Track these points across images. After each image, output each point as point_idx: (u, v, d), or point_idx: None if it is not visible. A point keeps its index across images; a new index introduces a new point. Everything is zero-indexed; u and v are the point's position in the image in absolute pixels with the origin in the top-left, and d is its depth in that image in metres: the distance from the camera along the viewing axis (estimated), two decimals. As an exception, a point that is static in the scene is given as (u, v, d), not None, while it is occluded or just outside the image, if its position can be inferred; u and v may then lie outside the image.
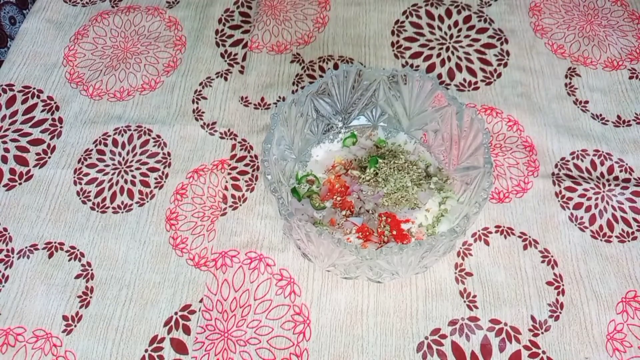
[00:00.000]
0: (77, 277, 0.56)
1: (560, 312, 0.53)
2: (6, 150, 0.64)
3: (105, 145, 0.65)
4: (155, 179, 0.62)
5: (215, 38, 0.74)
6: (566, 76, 0.69)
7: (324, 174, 0.59)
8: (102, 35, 0.74)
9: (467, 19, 0.75)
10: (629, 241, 0.57)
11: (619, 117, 0.66)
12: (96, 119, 0.67)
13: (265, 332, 0.52)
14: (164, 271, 0.56)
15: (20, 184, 0.62)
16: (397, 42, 0.73)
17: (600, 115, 0.66)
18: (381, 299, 0.54)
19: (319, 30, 0.74)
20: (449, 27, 0.74)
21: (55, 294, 0.55)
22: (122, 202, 0.60)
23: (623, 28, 0.74)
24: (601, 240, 0.57)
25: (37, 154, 0.64)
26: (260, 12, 0.76)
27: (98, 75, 0.70)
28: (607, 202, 0.59)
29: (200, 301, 0.54)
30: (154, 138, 0.65)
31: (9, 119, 0.67)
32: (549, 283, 0.55)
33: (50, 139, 0.65)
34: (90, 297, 0.55)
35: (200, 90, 0.69)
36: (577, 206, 0.59)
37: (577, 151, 0.63)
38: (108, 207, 0.60)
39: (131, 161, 0.63)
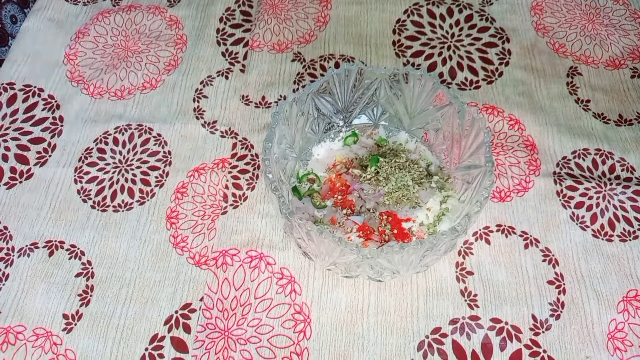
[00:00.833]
0: (78, 275, 0.56)
1: (561, 311, 0.53)
2: (7, 148, 0.64)
3: (106, 143, 0.65)
4: (156, 177, 0.62)
5: (216, 37, 0.74)
6: (568, 75, 0.69)
7: (324, 172, 0.59)
8: (103, 34, 0.74)
9: (469, 18, 0.75)
10: (630, 240, 0.57)
11: (620, 116, 0.66)
12: (97, 117, 0.67)
13: (265, 331, 0.52)
14: (165, 270, 0.56)
15: (20, 182, 0.62)
16: (399, 40, 0.73)
17: (602, 114, 0.66)
18: (382, 297, 0.54)
19: (320, 29, 0.74)
20: (451, 26, 0.74)
21: (55, 293, 0.55)
22: (123, 201, 0.60)
23: (625, 27, 0.73)
24: (602, 239, 0.57)
25: (38, 152, 0.64)
26: (261, 10, 0.76)
27: (99, 73, 0.70)
28: (609, 201, 0.59)
29: (201, 300, 0.54)
30: (154, 137, 0.65)
31: (9, 117, 0.67)
32: (550, 282, 0.55)
33: (51, 137, 0.65)
34: (91, 296, 0.55)
35: (201, 89, 0.69)
36: (579, 205, 0.59)
37: (579, 150, 0.63)
38: (108, 206, 0.60)
39: (132, 160, 0.63)
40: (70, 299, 0.55)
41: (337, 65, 0.70)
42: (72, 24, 0.76)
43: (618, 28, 0.73)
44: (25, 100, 0.68)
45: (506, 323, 0.52)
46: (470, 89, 0.68)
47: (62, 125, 0.66)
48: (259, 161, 0.63)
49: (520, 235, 0.57)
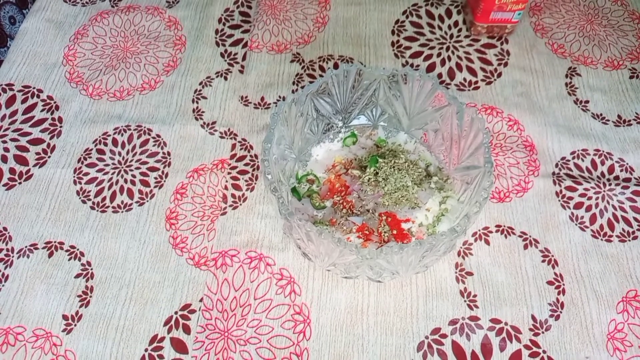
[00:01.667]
0: (77, 276, 0.56)
1: (560, 312, 0.53)
2: (6, 149, 0.64)
3: (105, 144, 0.64)
4: (155, 178, 0.62)
5: (215, 38, 0.74)
6: (566, 76, 0.69)
7: (324, 173, 0.59)
8: (102, 34, 0.74)
9: (467, 19, 0.75)
10: (629, 240, 0.57)
11: (619, 116, 0.66)
12: (96, 118, 0.67)
13: (265, 332, 0.52)
14: (164, 270, 0.56)
15: (20, 183, 0.62)
16: (397, 41, 0.73)
17: (601, 114, 0.66)
18: (381, 298, 0.54)
19: (319, 29, 0.74)
20: (449, 27, 0.74)
21: (55, 294, 0.55)
22: (122, 202, 0.60)
23: (623, 28, 0.74)
24: (602, 239, 0.57)
25: (37, 153, 0.64)
26: (260, 11, 0.76)
27: (98, 74, 0.70)
28: (608, 202, 0.59)
29: (200, 300, 0.54)
30: (153, 137, 0.65)
31: (8, 118, 0.66)
32: (549, 282, 0.55)
33: (50, 138, 0.65)
34: (90, 297, 0.55)
35: (200, 90, 0.69)
36: (578, 206, 0.59)
37: (578, 151, 0.63)
38: (108, 207, 0.60)
39: (131, 161, 0.63)
40: (70, 300, 0.55)
41: (336, 66, 0.70)
42: (71, 24, 0.76)
43: (616, 29, 0.73)
44: (24, 101, 0.68)
45: (506, 323, 0.53)
46: (469, 90, 0.68)
47: (61, 126, 0.66)
48: (258, 162, 0.63)
49: (520, 236, 0.57)
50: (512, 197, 0.60)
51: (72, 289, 0.55)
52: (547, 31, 0.73)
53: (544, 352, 0.51)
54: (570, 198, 0.59)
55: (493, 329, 0.52)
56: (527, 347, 0.51)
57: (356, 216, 0.55)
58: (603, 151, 0.63)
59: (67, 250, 0.57)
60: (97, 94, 0.69)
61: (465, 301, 0.54)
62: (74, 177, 0.62)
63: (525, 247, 0.57)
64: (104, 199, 0.61)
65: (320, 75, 0.69)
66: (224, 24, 0.75)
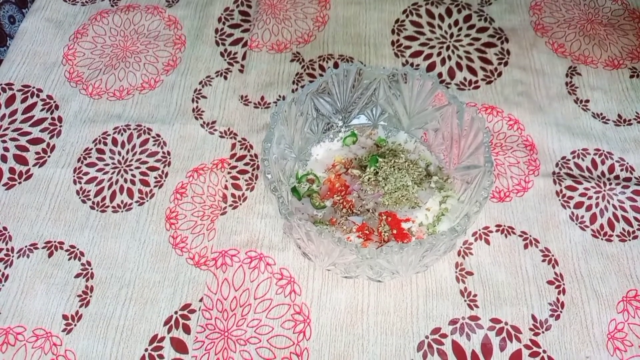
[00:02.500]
0: (77, 276, 0.56)
1: (560, 311, 0.53)
2: (6, 149, 0.64)
3: (105, 144, 0.64)
4: (155, 178, 0.62)
5: (215, 37, 0.74)
6: (567, 75, 0.69)
7: (324, 173, 0.59)
8: (101, 34, 0.74)
9: (468, 18, 0.75)
10: (629, 240, 0.57)
11: (619, 116, 0.66)
12: (96, 118, 0.67)
13: (265, 332, 0.52)
14: (164, 270, 0.56)
15: (19, 183, 0.62)
16: (397, 41, 0.73)
17: (601, 114, 0.66)
18: (381, 298, 0.54)
19: (319, 29, 0.74)
20: (450, 26, 0.74)
21: (55, 293, 0.55)
22: (122, 201, 0.60)
23: (623, 27, 0.73)
24: (602, 239, 0.57)
25: (37, 153, 0.64)
26: (260, 11, 0.76)
27: (97, 74, 0.70)
28: (608, 201, 0.59)
29: (200, 300, 0.54)
30: (153, 137, 0.65)
31: (8, 118, 0.66)
32: (549, 282, 0.55)
33: (50, 138, 0.65)
34: (90, 296, 0.55)
35: (200, 89, 0.69)
36: (578, 205, 0.59)
37: (578, 150, 0.63)
38: (108, 206, 0.60)
39: (131, 160, 0.63)
40: (70, 300, 0.55)
41: (336, 66, 0.70)
42: (71, 24, 0.76)
43: (617, 28, 0.73)
44: (24, 100, 0.68)
45: (506, 323, 0.53)
46: (469, 89, 0.68)
47: (61, 126, 0.66)
48: (258, 161, 0.63)
49: (520, 236, 0.57)
50: (512, 197, 0.60)
51: (72, 289, 0.55)
52: (548, 30, 0.73)
53: (544, 351, 0.51)
54: (571, 197, 0.59)
55: (493, 328, 0.52)
56: (527, 346, 0.51)
57: (356, 216, 0.55)
58: (603, 151, 0.63)
59: (67, 250, 0.57)
60: (97, 93, 0.69)
61: (465, 301, 0.54)
62: (74, 176, 0.62)
63: (526, 246, 0.57)
64: (103, 198, 0.61)
65: (320, 75, 0.69)
66: (223, 23, 0.75)
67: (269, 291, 0.54)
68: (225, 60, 0.72)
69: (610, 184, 0.60)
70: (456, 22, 0.74)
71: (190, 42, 0.73)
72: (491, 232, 0.58)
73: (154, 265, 0.56)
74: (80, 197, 0.61)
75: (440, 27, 0.74)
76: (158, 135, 0.65)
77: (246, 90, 0.69)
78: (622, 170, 0.62)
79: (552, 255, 0.56)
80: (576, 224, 0.58)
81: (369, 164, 0.57)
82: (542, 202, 0.59)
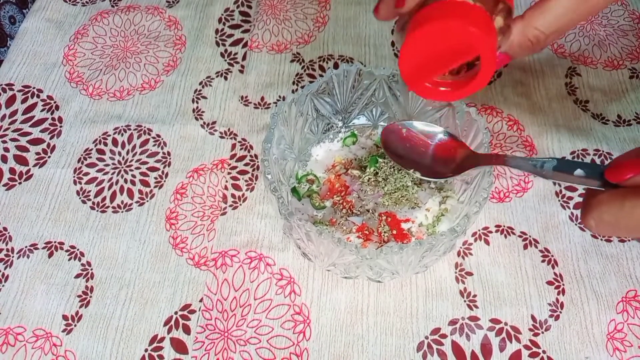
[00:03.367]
0: (77, 276, 0.56)
1: (560, 312, 0.53)
2: (6, 149, 0.64)
3: (105, 144, 0.65)
4: (155, 178, 0.62)
5: (215, 37, 0.74)
6: (566, 76, 0.69)
7: (324, 173, 0.59)
8: (102, 34, 0.74)
9: (467, 19, 0.75)
10: (629, 241, 0.57)
11: (619, 116, 0.66)
12: (96, 118, 0.67)
13: (265, 332, 0.52)
14: (164, 271, 0.56)
15: (20, 183, 0.62)
16: (397, 41, 0.73)
17: (601, 114, 0.66)
18: (381, 298, 0.54)
19: (319, 29, 0.74)
20: (449, 27, 0.74)
21: (55, 294, 0.55)
22: (122, 202, 0.60)
23: (623, 28, 0.73)
24: (601, 239, 0.57)
25: (37, 153, 0.64)
26: (260, 11, 0.76)
27: (98, 74, 0.70)
28: (608, 202, 0.59)
29: (200, 301, 0.54)
30: (153, 137, 0.65)
31: (8, 118, 0.67)
32: (549, 282, 0.55)
33: (50, 138, 0.65)
34: (90, 297, 0.55)
35: (200, 90, 0.69)
36: (578, 206, 0.59)
37: (578, 150, 0.63)
38: (108, 207, 0.60)
39: (131, 161, 0.63)
40: (70, 300, 0.55)
41: (336, 66, 0.71)
42: (71, 24, 0.76)
43: (616, 29, 0.73)
44: (24, 101, 0.68)
45: (505, 324, 0.53)
46: (469, 90, 0.68)
47: (61, 126, 0.66)
48: (258, 162, 0.63)
49: (520, 236, 0.57)
50: (511, 197, 0.60)
51: (72, 289, 0.55)
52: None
53: (544, 352, 0.51)
54: (570, 198, 0.59)
55: (493, 329, 0.52)
56: (526, 347, 0.51)
57: (356, 216, 0.56)
58: (603, 151, 0.63)
59: (67, 251, 0.57)
60: (97, 93, 0.69)
61: (465, 301, 0.54)
62: (74, 177, 0.62)
63: (525, 247, 0.57)
64: (104, 199, 0.61)
65: (320, 75, 0.69)
66: (224, 24, 0.75)
67: (269, 291, 0.55)
68: (225, 60, 0.72)
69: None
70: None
71: (191, 42, 0.73)
72: (491, 232, 0.58)
73: (154, 266, 0.56)
74: (80, 198, 0.61)
75: (440, 28, 0.74)
76: (158, 136, 0.65)
77: (246, 91, 0.69)
78: (621, 170, 0.61)
79: (552, 256, 0.56)
80: (576, 224, 0.58)
81: (369, 165, 0.58)
82: (542, 202, 0.59)
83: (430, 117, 0.57)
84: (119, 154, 0.64)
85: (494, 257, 0.56)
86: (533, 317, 0.53)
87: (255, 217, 0.59)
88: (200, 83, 0.69)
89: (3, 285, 0.56)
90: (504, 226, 0.58)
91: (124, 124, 0.66)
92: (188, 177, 0.62)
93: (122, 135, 0.65)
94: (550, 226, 0.58)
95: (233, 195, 0.61)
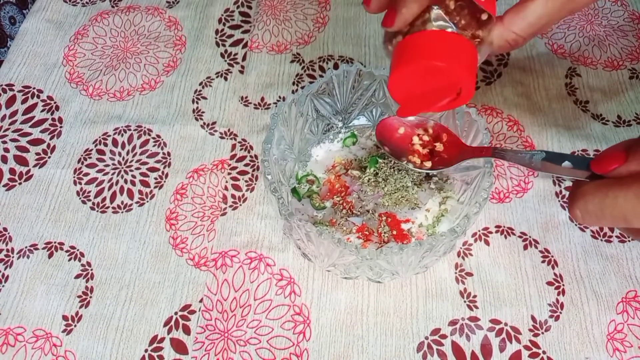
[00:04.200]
0: (77, 277, 0.56)
1: (560, 312, 0.53)
2: (6, 150, 0.64)
3: (105, 145, 0.65)
4: (155, 178, 0.62)
5: (215, 38, 0.74)
6: (566, 76, 0.69)
7: (324, 173, 0.59)
8: (102, 35, 0.74)
9: (467, 19, 0.75)
10: (629, 241, 0.57)
11: (619, 117, 0.66)
12: (96, 118, 0.67)
13: (265, 332, 0.52)
14: (164, 271, 0.56)
15: (20, 183, 0.62)
16: (397, 42, 0.73)
17: (601, 115, 0.66)
18: (381, 299, 0.54)
19: (319, 30, 0.74)
20: (449, 27, 0.74)
21: (55, 294, 0.55)
22: (122, 202, 0.60)
23: (623, 28, 0.73)
24: (601, 240, 0.57)
25: (37, 153, 0.64)
26: (260, 12, 0.76)
27: (98, 75, 0.70)
28: (608, 202, 0.59)
29: (200, 301, 0.54)
30: (153, 138, 0.65)
31: (8, 118, 0.67)
32: (549, 283, 0.55)
33: (50, 138, 0.65)
34: (90, 297, 0.55)
35: (200, 90, 0.69)
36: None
37: (578, 151, 0.63)
38: (108, 207, 0.60)
39: (131, 161, 0.63)
40: (70, 301, 0.55)
41: (336, 67, 0.71)
42: (71, 25, 0.76)
43: (616, 29, 0.73)
44: (24, 101, 0.68)
45: (505, 324, 0.53)
46: (469, 90, 0.68)
47: (61, 127, 0.66)
48: (258, 162, 0.63)
49: (520, 237, 0.57)
50: (511, 198, 0.60)
51: (72, 290, 0.55)
52: (547, 31, 0.73)
53: (544, 352, 0.51)
54: (567, 203, 0.59)
55: (493, 329, 0.52)
56: (526, 347, 0.51)
57: (356, 217, 0.56)
58: (603, 152, 0.63)
59: (67, 251, 0.57)
60: (97, 94, 0.69)
61: (465, 302, 0.54)
62: (74, 177, 0.62)
63: (525, 247, 0.57)
64: (104, 199, 0.61)
65: (320, 76, 0.69)
66: (224, 24, 0.75)
67: (269, 292, 0.55)
68: (225, 61, 0.72)
69: (610, 185, 0.60)
70: (456, 23, 0.74)
71: (191, 43, 0.73)
72: (491, 233, 0.58)
73: (154, 266, 0.56)
74: (80, 198, 0.61)
75: (440, 28, 0.74)
76: (158, 136, 0.65)
77: (246, 91, 0.69)
78: (621, 171, 0.61)
79: (552, 256, 0.56)
80: (576, 225, 0.58)
81: (369, 165, 0.58)
82: (542, 203, 0.59)
83: (429, 117, 0.57)
84: (119, 154, 0.64)
85: (494, 257, 0.56)
86: (533, 318, 0.53)
87: (255, 218, 0.59)
88: (200, 83, 0.69)
89: (3, 286, 0.56)
90: (504, 227, 0.58)
91: (124, 124, 0.66)
92: (188, 178, 0.62)
93: (122, 135, 0.65)
94: (550, 227, 0.58)
95: (233, 196, 0.61)
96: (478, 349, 0.51)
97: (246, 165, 0.63)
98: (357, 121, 0.62)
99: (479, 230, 0.58)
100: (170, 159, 0.63)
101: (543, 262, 0.56)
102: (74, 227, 0.59)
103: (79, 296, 0.55)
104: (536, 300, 0.54)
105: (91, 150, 0.64)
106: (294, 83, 0.69)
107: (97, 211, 0.60)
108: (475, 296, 0.54)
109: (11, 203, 0.61)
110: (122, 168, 0.63)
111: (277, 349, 0.52)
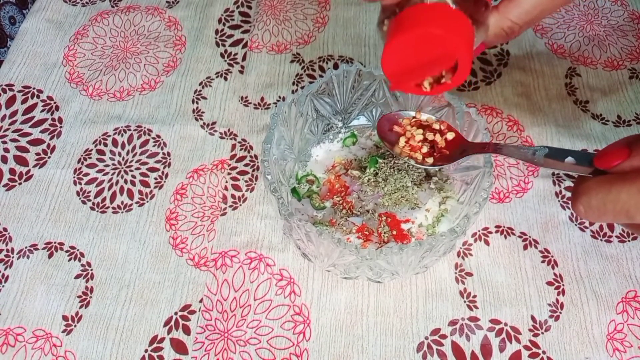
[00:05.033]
0: (77, 277, 0.56)
1: (560, 312, 0.53)
2: (6, 150, 0.64)
3: (105, 145, 0.65)
4: (155, 179, 0.62)
5: (215, 38, 0.74)
6: (566, 76, 0.69)
7: (323, 174, 0.59)
8: (102, 35, 0.74)
9: (467, 19, 0.75)
10: (629, 241, 0.57)
11: (619, 117, 0.66)
12: (96, 118, 0.67)
13: (265, 332, 0.52)
14: (164, 271, 0.56)
15: (20, 184, 0.62)
16: (397, 42, 0.73)
17: (601, 115, 0.66)
18: (381, 299, 0.54)
19: (319, 30, 0.74)
20: (449, 27, 0.74)
21: (55, 294, 0.55)
22: (122, 202, 0.60)
23: (623, 28, 0.73)
24: (601, 240, 0.57)
25: (37, 154, 0.64)
26: (260, 12, 0.76)
27: (98, 75, 0.70)
28: (607, 202, 0.59)
29: (200, 301, 0.54)
30: (153, 138, 0.65)
31: (8, 119, 0.67)
32: (549, 283, 0.55)
33: (50, 139, 0.65)
34: (90, 297, 0.55)
35: (200, 90, 0.69)
36: (577, 206, 0.59)
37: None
38: (108, 207, 0.60)
39: (131, 161, 0.63)
40: (70, 301, 0.55)
41: (335, 67, 0.71)
42: (71, 25, 0.76)
43: (616, 29, 0.73)
44: (24, 101, 0.68)
45: (505, 324, 0.53)
46: (469, 90, 0.68)
47: (61, 127, 0.66)
48: (258, 162, 0.63)
49: (519, 237, 0.57)
50: (511, 198, 0.60)
51: (72, 290, 0.55)
52: (547, 31, 0.73)
53: (544, 352, 0.51)
54: (570, 198, 0.59)
55: (493, 329, 0.52)
56: (526, 347, 0.51)
57: (356, 217, 0.56)
58: (603, 151, 0.63)
59: (67, 251, 0.57)
60: (97, 94, 0.69)
61: (465, 302, 0.54)
62: (74, 177, 0.62)
63: (525, 247, 0.57)
64: (104, 199, 0.61)
65: (320, 76, 0.69)
66: (224, 24, 0.75)
67: (269, 292, 0.55)
68: (225, 61, 0.72)
69: (610, 185, 0.60)
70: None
71: (191, 43, 0.73)
72: (491, 233, 0.58)
73: (154, 266, 0.56)
74: (80, 198, 0.61)
75: (440, 28, 0.74)
76: (158, 136, 0.65)
77: (246, 91, 0.69)
78: (621, 171, 0.61)
79: (552, 256, 0.56)
80: (575, 225, 0.58)
81: (369, 165, 0.58)
82: (542, 203, 0.59)
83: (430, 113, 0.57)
84: (119, 154, 0.64)
85: (494, 257, 0.56)
86: (533, 318, 0.53)
87: (255, 218, 0.59)
88: (200, 83, 0.69)
89: (3, 286, 0.56)
90: (504, 227, 0.58)
91: (124, 124, 0.66)
92: (188, 178, 0.62)
93: (122, 135, 0.65)
94: (550, 227, 0.58)
95: (233, 196, 0.61)
96: (478, 349, 0.51)
97: (246, 165, 0.63)
98: (357, 121, 0.62)
99: (479, 230, 0.58)
100: (170, 159, 0.63)
101: (543, 262, 0.56)
102: (74, 227, 0.59)
103: (79, 296, 0.55)
104: (536, 300, 0.54)
105: (91, 150, 0.64)
106: (293, 83, 0.69)
107: (97, 211, 0.60)
108: (475, 296, 0.54)
109: (11, 203, 0.61)
110: (122, 168, 0.63)
111: (277, 349, 0.52)
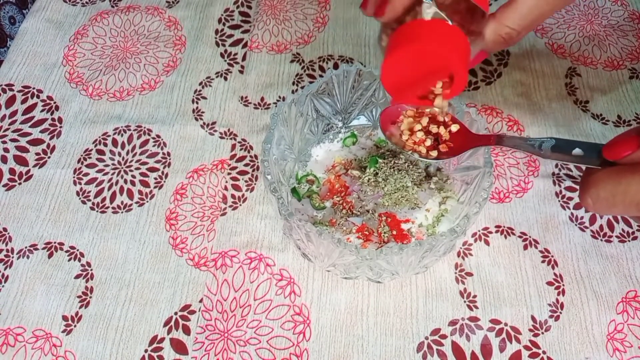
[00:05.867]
0: (77, 277, 0.56)
1: (560, 312, 0.53)
2: (6, 150, 0.64)
3: (105, 145, 0.65)
4: (155, 179, 0.62)
5: (215, 38, 0.74)
6: (566, 76, 0.69)
7: (323, 173, 0.59)
8: (101, 35, 0.74)
9: (467, 19, 0.75)
10: (629, 241, 0.57)
11: (619, 117, 0.66)
12: (96, 118, 0.67)
13: (265, 332, 0.52)
14: (164, 271, 0.56)
15: (19, 184, 0.62)
16: (397, 41, 0.73)
17: (601, 115, 0.66)
18: (381, 299, 0.54)
19: (319, 30, 0.74)
20: (449, 27, 0.74)
21: (55, 294, 0.55)
22: (122, 202, 0.60)
23: (623, 28, 0.73)
24: (601, 240, 0.57)
25: (37, 153, 0.64)
26: (260, 11, 0.76)
27: (98, 75, 0.70)
28: (608, 202, 0.59)
29: (200, 301, 0.54)
30: (153, 138, 0.65)
31: (8, 118, 0.67)
32: (549, 283, 0.55)
33: (50, 138, 0.65)
34: (90, 297, 0.55)
35: (200, 90, 0.69)
36: (578, 206, 0.59)
37: (578, 151, 0.63)
38: (108, 207, 0.60)
39: (131, 161, 0.63)
40: (70, 301, 0.55)
41: (335, 66, 0.70)
42: (71, 24, 0.76)
43: (616, 29, 0.73)
44: (24, 101, 0.68)
45: (505, 324, 0.53)
46: (469, 90, 0.68)
47: (61, 127, 0.66)
48: (258, 162, 0.63)
49: (520, 237, 0.57)
50: (511, 198, 0.60)
51: (72, 290, 0.55)
52: (547, 31, 0.73)
53: (544, 352, 0.51)
54: (570, 198, 0.59)
55: (493, 329, 0.52)
56: (526, 347, 0.51)
57: (356, 217, 0.56)
58: (603, 151, 0.63)
59: (67, 251, 0.57)
60: (97, 94, 0.69)
61: (465, 302, 0.54)
62: (74, 177, 0.62)
63: (525, 247, 0.57)
64: (103, 199, 0.61)
65: (320, 76, 0.69)
66: (224, 24, 0.75)
67: (269, 292, 0.54)
68: (225, 61, 0.72)
69: (610, 184, 0.60)
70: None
71: (191, 43, 0.73)
72: (491, 233, 0.58)
73: (154, 266, 0.56)
74: (80, 198, 0.61)
75: (440, 28, 0.74)
76: (158, 136, 0.65)
77: (246, 91, 0.69)
78: (621, 171, 0.61)
79: (552, 256, 0.56)
80: (576, 225, 0.58)
81: (369, 165, 0.58)
82: (542, 203, 0.59)
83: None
84: (119, 154, 0.64)
85: (494, 257, 0.56)
86: (533, 318, 0.53)
87: (255, 218, 0.59)
88: (200, 83, 0.69)
89: (3, 286, 0.56)
90: (504, 227, 0.58)
91: (123, 124, 0.66)
92: (188, 178, 0.62)
93: (122, 135, 0.65)
94: (550, 227, 0.58)
95: (233, 196, 0.61)
96: (478, 349, 0.51)
97: (246, 165, 0.63)
98: (357, 121, 0.62)
99: (479, 230, 0.58)
100: (170, 159, 0.63)
101: (543, 262, 0.56)
102: (73, 227, 0.59)
103: (79, 296, 0.55)
104: (536, 300, 0.54)
105: (91, 150, 0.64)
106: (293, 83, 0.69)
107: (97, 211, 0.60)
108: (475, 296, 0.54)
109: (11, 203, 0.61)
110: (122, 168, 0.63)
111: (277, 349, 0.52)
